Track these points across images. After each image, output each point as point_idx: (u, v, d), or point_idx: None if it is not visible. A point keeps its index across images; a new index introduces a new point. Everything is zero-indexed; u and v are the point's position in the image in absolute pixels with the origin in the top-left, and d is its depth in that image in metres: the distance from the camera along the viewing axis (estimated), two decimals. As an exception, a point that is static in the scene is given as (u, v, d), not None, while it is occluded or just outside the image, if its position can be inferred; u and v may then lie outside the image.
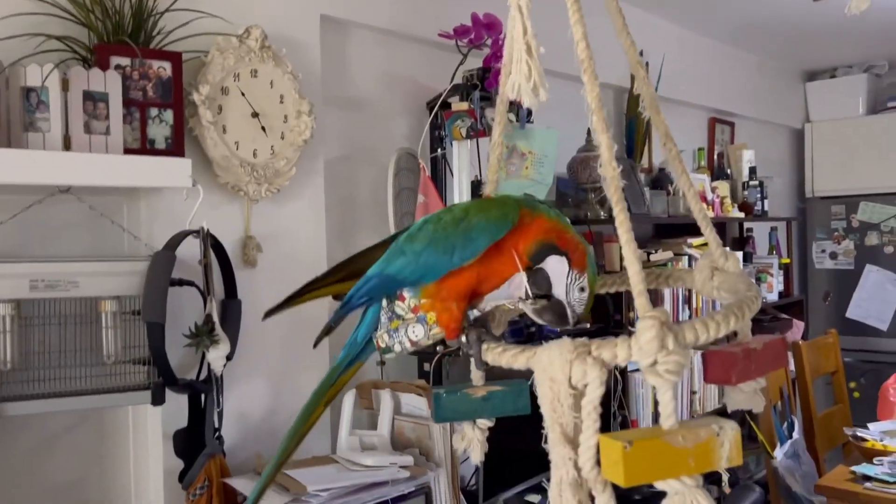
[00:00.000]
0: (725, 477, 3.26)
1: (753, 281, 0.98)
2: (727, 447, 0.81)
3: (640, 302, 0.84)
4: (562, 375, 0.84)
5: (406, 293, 1.03)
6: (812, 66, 5.12)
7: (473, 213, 0.98)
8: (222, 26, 2.00)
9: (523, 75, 1.05)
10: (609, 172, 0.87)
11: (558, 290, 0.96)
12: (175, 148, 1.84)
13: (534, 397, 0.93)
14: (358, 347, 1.08)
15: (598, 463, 0.82)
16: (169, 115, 1.84)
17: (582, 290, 0.96)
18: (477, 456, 1.09)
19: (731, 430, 0.81)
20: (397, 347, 1.04)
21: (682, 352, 0.80)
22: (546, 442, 0.88)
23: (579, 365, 0.83)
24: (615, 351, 0.83)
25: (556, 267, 0.96)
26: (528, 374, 0.93)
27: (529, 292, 0.97)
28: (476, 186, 2.50)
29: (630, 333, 0.83)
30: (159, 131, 1.83)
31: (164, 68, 1.83)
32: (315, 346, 1.16)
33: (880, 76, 5.04)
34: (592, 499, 0.85)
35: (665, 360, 0.79)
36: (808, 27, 3.98)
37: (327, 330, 1.12)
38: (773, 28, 3.98)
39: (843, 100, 5.00)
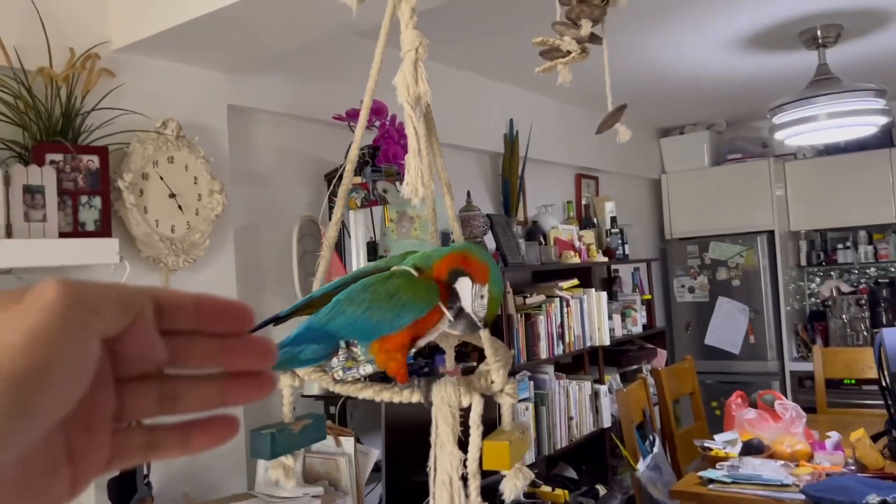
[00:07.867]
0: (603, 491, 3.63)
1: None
2: (528, 441, 1.27)
3: (490, 351, 1.27)
4: (455, 401, 1.24)
5: (358, 344, 1.30)
6: (664, 123, 5.81)
7: (404, 292, 1.20)
8: (142, 121, 2.29)
9: (418, 176, 1.40)
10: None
11: (465, 303, 1.21)
12: (103, 229, 2.11)
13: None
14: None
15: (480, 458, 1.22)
16: (97, 200, 2.11)
17: (482, 297, 1.19)
18: (292, 482, 1.38)
19: (529, 430, 1.31)
20: (349, 379, 1.35)
21: (514, 380, 1.23)
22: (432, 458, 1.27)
23: (466, 393, 1.23)
24: (481, 382, 1.25)
25: (463, 285, 1.21)
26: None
27: (444, 309, 1.23)
28: (371, 247, 2.85)
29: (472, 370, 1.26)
30: (89, 215, 2.09)
31: (93, 161, 2.10)
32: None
33: (720, 132, 5.79)
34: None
35: (510, 387, 1.23)
36: (659, 91, 4.60)
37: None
38: (629, 92, 4.58)
39: (691, 153, 5.70)
